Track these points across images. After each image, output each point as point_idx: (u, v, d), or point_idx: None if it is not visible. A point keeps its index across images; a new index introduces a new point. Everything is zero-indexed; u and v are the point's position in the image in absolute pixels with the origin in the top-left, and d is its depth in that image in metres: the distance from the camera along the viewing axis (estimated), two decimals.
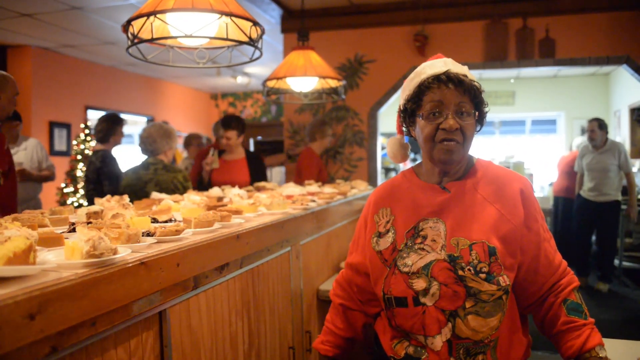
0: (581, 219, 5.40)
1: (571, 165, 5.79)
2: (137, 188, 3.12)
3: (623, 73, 6.88)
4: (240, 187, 3.17)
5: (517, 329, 1.38)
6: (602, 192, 5.14)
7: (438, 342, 1.30)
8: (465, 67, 1.41)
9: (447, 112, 1.33)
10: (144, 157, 3.32)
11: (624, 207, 5.41)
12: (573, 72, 8.16)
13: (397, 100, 5.04)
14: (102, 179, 3.86)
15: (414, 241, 1.38)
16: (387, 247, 1.42)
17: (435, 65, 1.39)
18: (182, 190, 3.13)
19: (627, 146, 7.09)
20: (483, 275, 1.28)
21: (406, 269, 1.35)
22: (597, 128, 5.08)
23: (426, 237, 1.37)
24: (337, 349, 1.60)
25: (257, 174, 3.95)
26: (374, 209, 1.51)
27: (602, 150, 5.12)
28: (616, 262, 5.68)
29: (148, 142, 3.26)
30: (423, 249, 1.36)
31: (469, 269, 1.29)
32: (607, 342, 1.42)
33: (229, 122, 3.85)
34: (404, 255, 1.37)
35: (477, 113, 1.38)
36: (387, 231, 1.44)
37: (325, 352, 1.60)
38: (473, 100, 1.36)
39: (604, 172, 5.09)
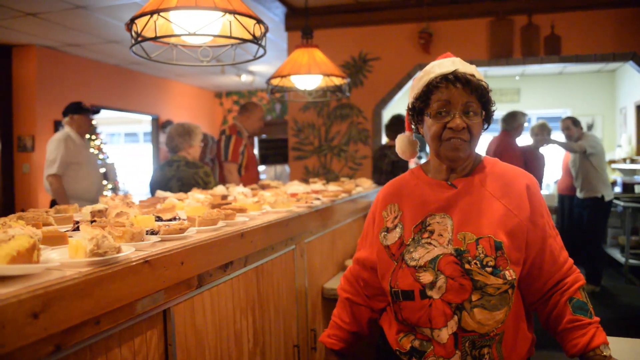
0: (572, 219, 5.55)
1: None
2: (162, 184, 3.31)
3: (629, 70, 6.83)
4: None
5: (522, 325, 1.39)
6: (587, 188, 5.25)
7: (444, 334, 1.32)
8: (474, 67, 1.42)
9: (455, 112, 1.35)
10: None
11: (619, 202, 5.54)
12: (579, 69, 8.12)
13: (401, 98, 5.03)
14: (395, 170, 4.34)
15: (421, 236, 1.41)
16: (394, 242, 1.45)
17: (444, 64, 1.40)
18: (203, 185, 3.33)
19: (634, 143, 7.05)
20: (489, 269, 1.30)
21: (413, 263, 1.38)
22: (572, 125, 5.26)
23: (433, 231, 1.40)
24: (343, 342, 1.62)
25: None
26: (382, 204, 1.55)
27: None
28: (622, 259, 5.65)
29: (168, 140, 3.56)
30: (430, 244, 1.38)
31: (476, 263, 1.31)
32: (613, 340, 1.41)
33: None
34: (411, 249, 1.40)
35: (484, 112, 1.40)
36: (395, 226, 1.47)
37: (331, 345, 1.62)
38: (480, 100, 1.38)
39: (583, 167, 5.23)
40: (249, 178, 4.30)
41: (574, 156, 5.38)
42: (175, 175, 3.36)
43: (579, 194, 5.35)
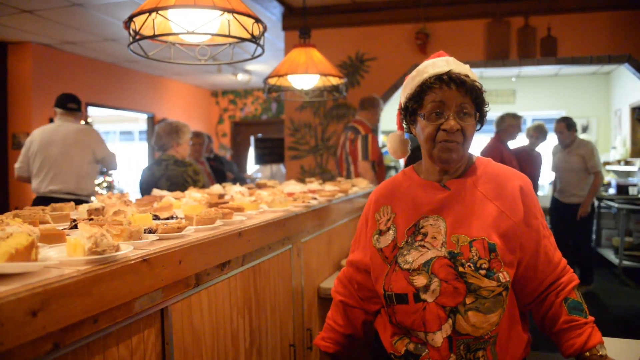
0: (556, 221, 5.36)
1: None
2: (151, 184, 3.28)
3: (624, 72, 6.87)
4: None
5: (516, 326, 1.39)
6: (571, 193, 5.11)
7: (438, 338, 1.31)
8: (467, 66, 1.41)
9: (449, 113, 1.34)
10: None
11: (613, 204, 5.46)
12: (574, 70, 8.15)
13: (397, 98, 5.03)
14: None
15: (414, 238, 1.40)
16: (387, 245, 1.44)
17: (438, 64, 1.39)
18: (192, 183, 3.32)
19: (628, 145, 7.08)
20: (483, 272, 1.29)
21: (407, 266, 1.36)
22: (565, 129, 5.08)
23: (426, 234, 1.38)
24: (338, 345, 1.61)
25: None
26: (375, 207, 1.53)
27: (570, 150, 5.11)
28: (616, 261, 5.68)
29: (156, 139, 3.54)
30: (423, 246, 1.37)
31: (469, 265, 1.30)
32: (607, 341, 1.42)
33: None
34: (405, 252, 1.39)
35: (477, 114, 1.38)
36: (388, 229, 1.46)
37: (325, 348, 1.61)
38: (474, 101, 1.36)
39: (570, 171, 5.09)
40: (381, 175, 4.34)
41: (564, 160, 5.24)
42: (164, 174, 3.34)
43: (562, 199, 5.23)
